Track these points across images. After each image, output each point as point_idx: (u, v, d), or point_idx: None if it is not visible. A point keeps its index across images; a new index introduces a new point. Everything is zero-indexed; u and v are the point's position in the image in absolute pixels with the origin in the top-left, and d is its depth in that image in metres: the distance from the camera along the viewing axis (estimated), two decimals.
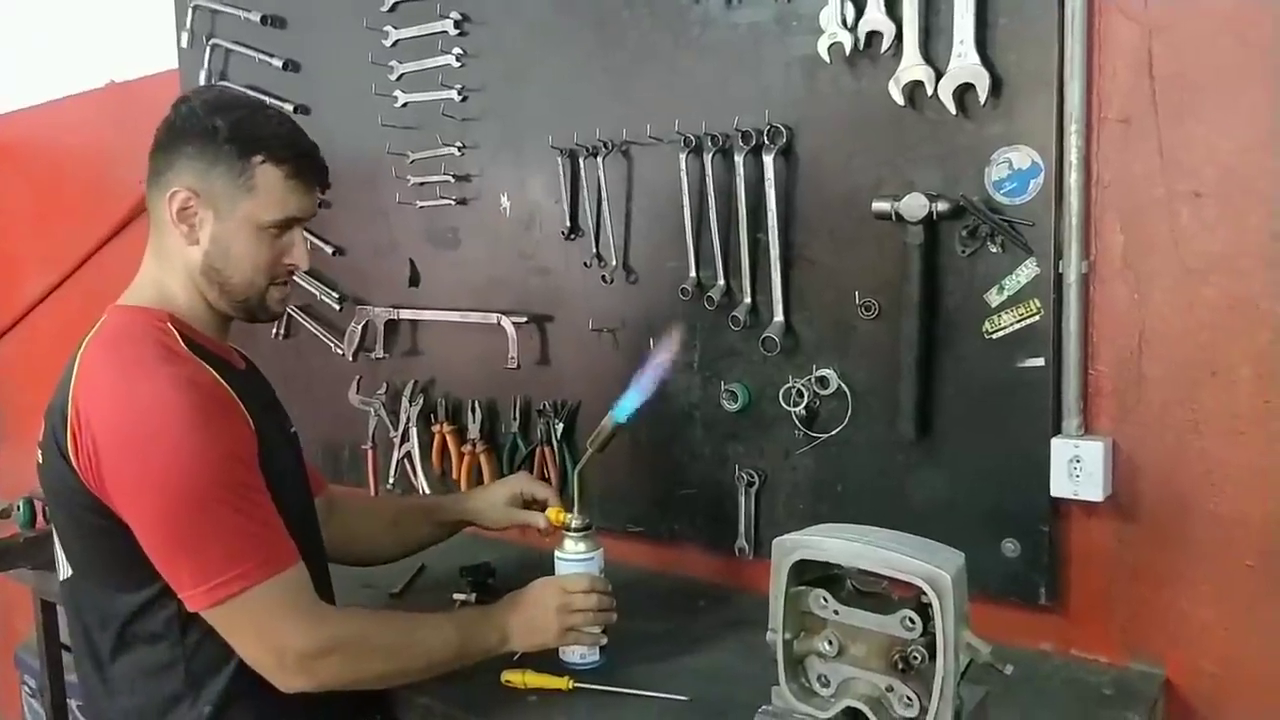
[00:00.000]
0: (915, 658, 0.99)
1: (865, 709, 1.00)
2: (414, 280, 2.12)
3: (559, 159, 1.87)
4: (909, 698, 1.00)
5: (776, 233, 1.66)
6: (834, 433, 1.67)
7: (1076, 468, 1.46)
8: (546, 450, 1.97)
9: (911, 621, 1.00)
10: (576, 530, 1.51)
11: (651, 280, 1.83)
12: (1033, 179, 1.47)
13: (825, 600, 1.04)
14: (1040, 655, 1.55)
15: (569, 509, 1.55)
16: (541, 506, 1.69)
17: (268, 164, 1.32)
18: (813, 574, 1.06)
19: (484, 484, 1.92)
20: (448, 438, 2.08)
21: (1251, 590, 1.41)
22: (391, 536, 1.74)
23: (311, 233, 2.24)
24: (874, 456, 1.65)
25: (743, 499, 1.77)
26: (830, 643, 1.03)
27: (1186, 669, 1.47)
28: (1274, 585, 1.40)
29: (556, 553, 1.52)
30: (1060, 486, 1.47)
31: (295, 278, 1.44)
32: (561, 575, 1.50)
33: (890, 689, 1.01)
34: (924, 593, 0.97)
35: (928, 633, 0.98)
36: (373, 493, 2.21)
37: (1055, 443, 1.47)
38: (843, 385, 1.66)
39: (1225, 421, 1.41)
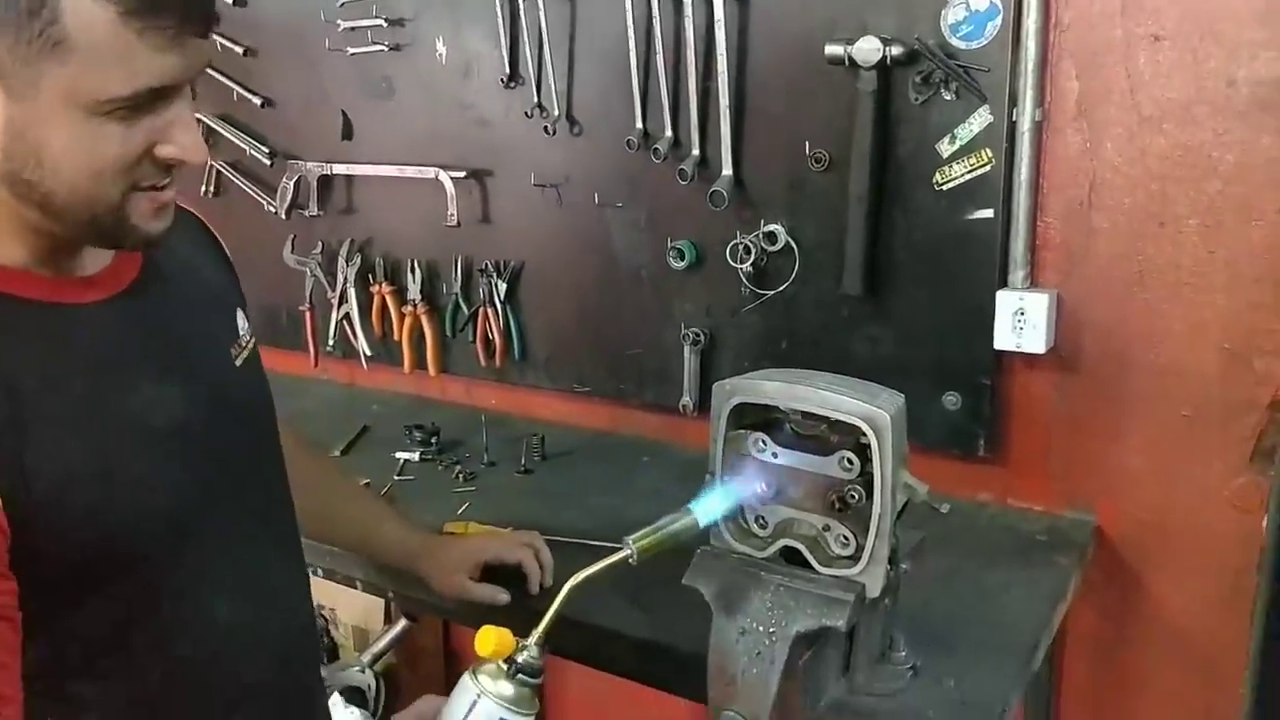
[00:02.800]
0: (852, 497, 0.98)
1: (802, 548, 1.01)
2: (347, 133, 2.02)
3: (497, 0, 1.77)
4: (845, 537, 1.00)
5: (727, 80, 1.59)
6: (781, 289, 1.65)
7: (1020, 320, 1.46)
8: (489, 311, 1.92)
9: (850, 462, 0.99)
10: (524, 673, 0.93)
11: (596, 132, 1.76)
12: (990, 21, 1.41)
13: (764, 443, 1.03)
14: (978, 505, 1.58)
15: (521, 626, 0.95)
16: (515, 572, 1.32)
17: None
18: (752, 418, 1.05)
19: (447, 534, 1.50)
20: (387, 298, 2.02)
21: (1185, 440, 1.44)
22: (344, 526, 1.38)
23: (235, 81, 2.12)
24: (820, 312, 1.63)
25: (688, 357, 1.76)
26: (766, 485, 1.03)
27: (1118, 516, 1.51)
28: (1207, 435, 1.42)
29: (474, 685, 0.92)
30: (1004, 339, 1.47)
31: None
32: None
33: (827, 528, 1.01)
34: (863, 434, 0.96)
35: (865, 473, 0.98)
36: (312, 360, 2.16)
37: (1001, 295, 1.46)
38: (791, 241, 1.62)
39: (1169, 273, 1.41)
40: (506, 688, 0.92)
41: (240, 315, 1.05)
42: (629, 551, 0.96)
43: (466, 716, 0.92)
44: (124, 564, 0.85)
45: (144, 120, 0.79)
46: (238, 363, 1.01)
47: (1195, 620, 1.49)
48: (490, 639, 0.92)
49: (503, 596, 1.30)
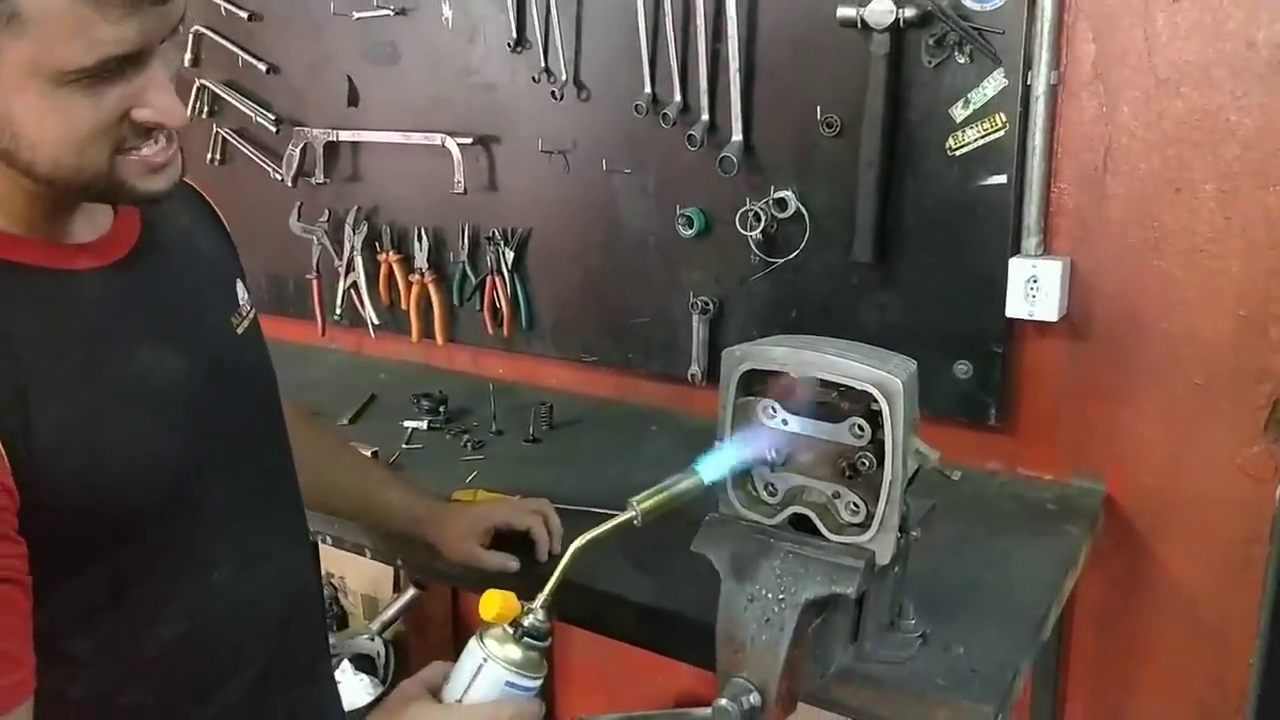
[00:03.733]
0: (863, 464, 0.98)
1: (812, 515, 1.00)
2: (352, 99, 2.00)
3: None
4: (855, 504, 0.99)
5: (737, 44, 1.57)
6: (791, 257, 1.63)
7: (1033, 288, 1.44)
8: (496, 279, 1.91)
9: (860, 429, 0.98)
10: (531, 636, 0.92)
11: (604, 96, 1.74)
12: None
13: (773, 410, 1.02)
14: (988, 474, 1.57)
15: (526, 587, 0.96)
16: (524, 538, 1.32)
17: None
18: (762, 385, 1.04)
19: (456, 501, 1.48)
20: (394, 267, 2.01)
21: (1197, 407, 1.43)
22: (348, 496, 1.36)
23: (241, 47, 2.10)
24: (830, 280, 1.61)
25: (696, 326, 1.74)
26: (776, 451, 1.02)
27: (1128, 485, 1.50)
28: (1220, 403, 1.41)
29: (481, 649, 0.92)
30: (1016, 307, 1.46)
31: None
32: (478, 705, 0.92)
33: (837, 495, 1.00)
34: (874, 400, 0.95)
35: (876, 440, 0.97)
36: (320, 328, 2.15)
37: (1013, 262, 1.45)
38: (801, 207, 1.60)
39: (1185, 240, 1.39)
40: (514, 651, 0.92)
41: (240, 285, 1.05)
42: (633, 513, 0.95)
43: (473, 681, 0.92)
44: (122, 529, 0.85)
45: (115, 87, 0.78)
46: (238, 331, 1.01)
47: (1205, 590, 1.48)
48: (494, 602, 0.91)
49: (513, 564, 1.29)
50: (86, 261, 0.87)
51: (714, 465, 1.00)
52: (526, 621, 0.92)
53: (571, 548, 0.95)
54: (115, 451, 0.84)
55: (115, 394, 0.85)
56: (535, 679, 0.93)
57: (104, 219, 0.90)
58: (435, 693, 0.94)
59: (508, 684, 0.92)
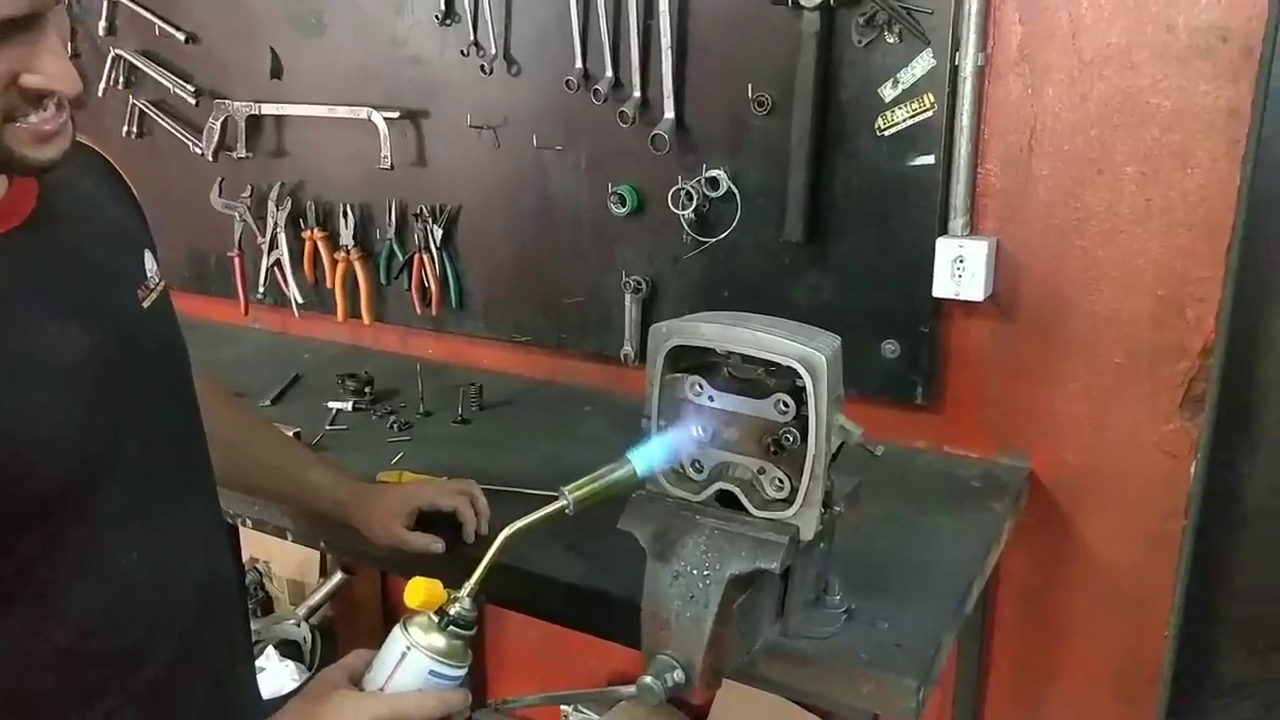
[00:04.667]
0: (788, 439, 0.97)
1: (737, 491, 0.99)
2: (275, 71, 1.94)
3: None
4: (780, 480, 0.99)
5: (669, 19, 1.55)
6: (723, 236, 1.63)
7: (959, 268, 1.45)
8: (425, 257, 1.88)
9: (785, 405, 0.98)
10: (456, 625, 0.90)
11: (535, 71, 1.71)
12: None
13: (700, 387, 1.01)
14: (914, 452, 1.59)
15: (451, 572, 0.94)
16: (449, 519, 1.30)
17: None
18: (689, 362, 1.03)
19: (380, 482, 1.45)
20: (319, 244, 1.96)
21: (1117, 386, 1.46)
22: (269, 477, 1.32)
23: (158, 15, 2.02)
24: (762, 260, 1.61)
25: (629, 305, 1.73)
26: (702, 428, 1.01)
27: (1051, 462, 1.53)
28: (1139, 381, 1.44)
29: (405, 637, 0.90)
30: (943, 287, 1.47)
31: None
32: (401, 694, 0.90)
33: (762, 471, 1.00)
34: (798, 376, 0.95)
35: (801, 416, 0.97)
36: (242, 307, 2.09)
37: (940, 242, 1.46)
38: (733, 187, 1.60)
39: (1107, 221, 1.42)
40: (438, 640, 0.90)
41: (148, 257, 1.00)
42: (565, 502, 0.93)
43: (396, 669, 0.90)
44: (26, 513, 0.81)
45: (3, 51, 0.74)
46: (145, 304, 0.96)
47: (1124, 564, 1.52)
48: (420, 590, 0.89)
49: (437, 545, 1.27)
50: None
51: (648, 455, 0.98)
52: (452, 610, 0.90)
53: (501, 536, 0.93)
54: (17, 431, 0.79)
55: (15, 369, 0.80)
56: (460, 668, 0.91)
57: None
58: (357, 681, 0.92)
59: (431, 673, 0.90)
